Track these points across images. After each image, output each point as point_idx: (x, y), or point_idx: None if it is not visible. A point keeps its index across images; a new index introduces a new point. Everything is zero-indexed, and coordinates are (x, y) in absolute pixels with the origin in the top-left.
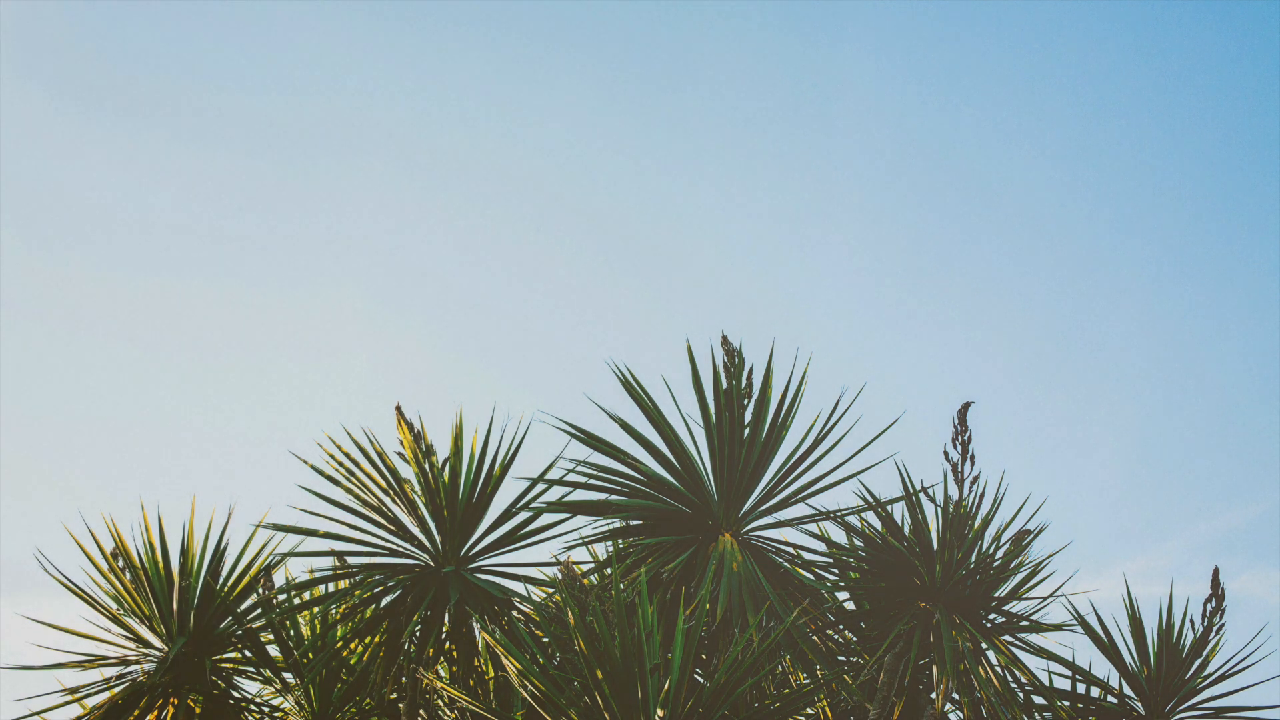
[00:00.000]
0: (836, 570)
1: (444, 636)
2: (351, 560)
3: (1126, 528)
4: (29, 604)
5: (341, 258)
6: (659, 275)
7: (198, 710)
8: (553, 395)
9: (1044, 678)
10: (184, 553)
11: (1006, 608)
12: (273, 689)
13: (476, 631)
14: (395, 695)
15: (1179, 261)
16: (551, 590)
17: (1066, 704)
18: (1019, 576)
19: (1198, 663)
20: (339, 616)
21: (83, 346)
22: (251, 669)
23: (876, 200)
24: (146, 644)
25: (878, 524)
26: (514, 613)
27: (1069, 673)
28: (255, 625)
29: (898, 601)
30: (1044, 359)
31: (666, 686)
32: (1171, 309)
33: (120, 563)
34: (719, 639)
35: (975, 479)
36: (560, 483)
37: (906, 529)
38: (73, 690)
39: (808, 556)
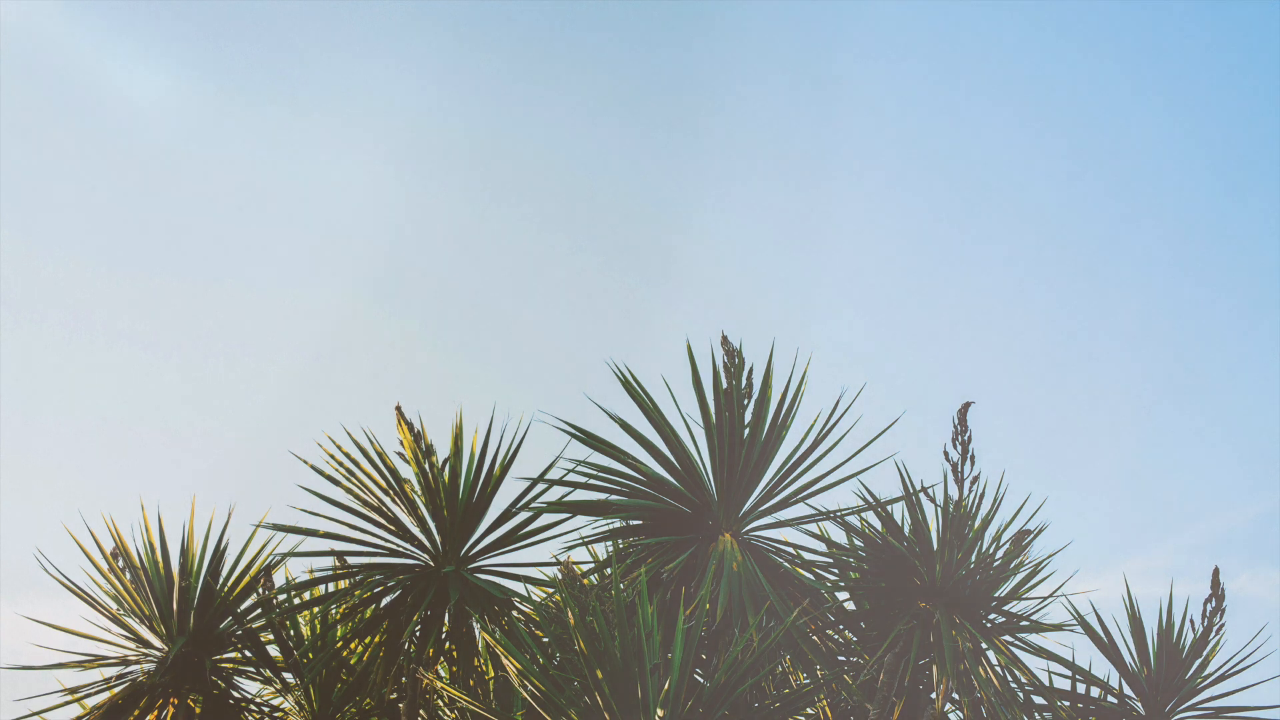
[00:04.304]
0: (836, 570)
1: (444, 636)
2: (351, 560)
3: (1126, 528)
4: (29, 604)
5: (342, 258)
6: (659, 275)
7: (198, 710)
8: (553, 395)
9: (1044, 678)
10: (184, 553)
11: (1006, 608)
12: (273, 689)
13: (476, 631)
14: (395, 695)
15: (1179, 261)
16: (551, 590)
17: (1066, 704)
18: (1019, 576)
19: (1198, 663)
20: (339, 616)
21: (83, 346)
22: (251, 669)
23: (877, 200)
24: (146, 644)
25: (878, 524)
26: (514, 613)
27: (1069, 673)
28: (255, 625)
29: (898, 601)
30: (1044, 359)
31: (666, 686)
32: (1172, 309)
33: (120, 563)
34: (719, 639)
35: (975, 479)
36: (560, 483)
37: (906, 529)
38: (73, 690)
39: (808, 556)
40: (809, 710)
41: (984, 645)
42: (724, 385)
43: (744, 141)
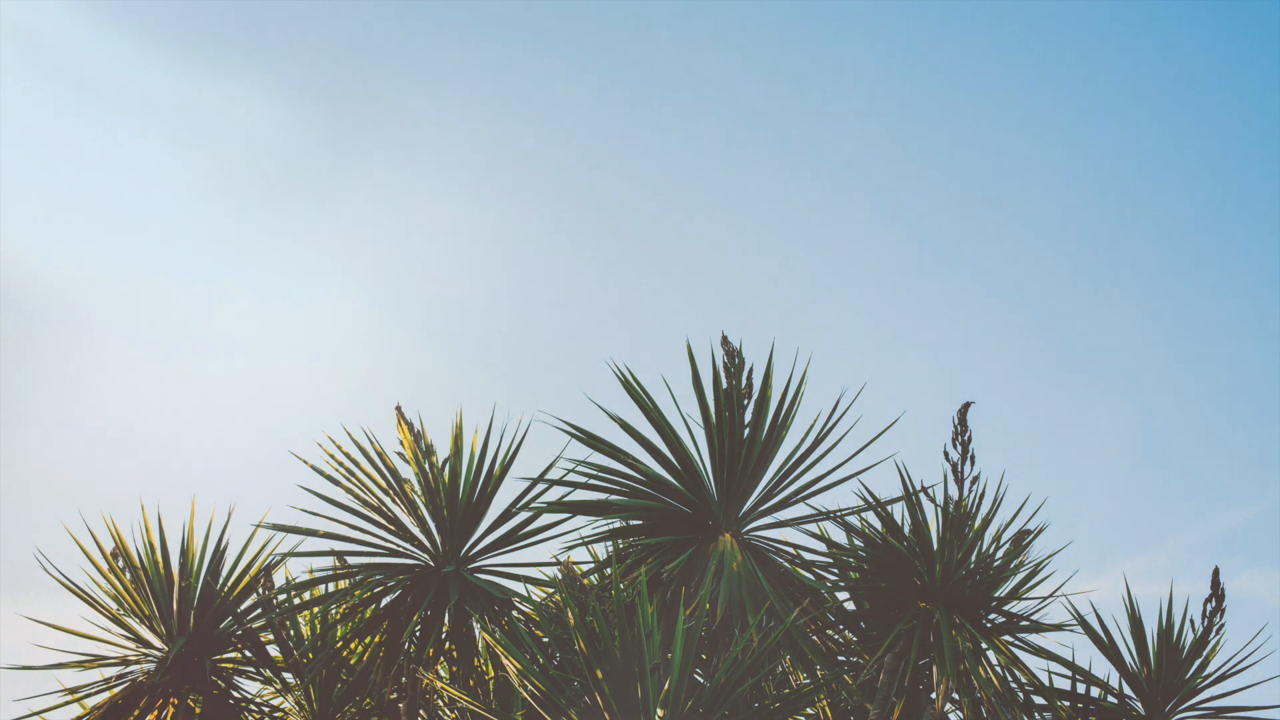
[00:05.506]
0: (836, 570)
1: (444, 636)
2: (351, 560)
3: (1126, 528)
4: (29, 604)
5: (342, 258)
6: (659, 275)
7: (198, 710)
8: (553, 395)
9: (1044, 678)
10: (184, 553)
11: (1006, 608)
12: (273, 689)
13: (476, 631)
14: (395, 695)
15: (1180, 260)
16: (551, 590)
17: (1066, 704)
18: (1019, 576)
19: (1198, 663)
20: (339, 616)
21: (83, 346)
22: (251, 669)
23: (876, 199)
24: (146, 644)
25: (878, 524)
26: (514, 613)
27: (1069, 673)
28: (255, 625)
29: (898, 601)
30: (1044, 358)
31: (666, 686)
32: (1172, 308)
33: (120, 563)
34: (719, 639)
35: (975, 479)
36: (560, 483)
37: (906, 529)
38: (73, 690)
39: (808, 556)
40: (809, 710)
41: (984, 645)
42: (724, 385)
43: (745, 141)
